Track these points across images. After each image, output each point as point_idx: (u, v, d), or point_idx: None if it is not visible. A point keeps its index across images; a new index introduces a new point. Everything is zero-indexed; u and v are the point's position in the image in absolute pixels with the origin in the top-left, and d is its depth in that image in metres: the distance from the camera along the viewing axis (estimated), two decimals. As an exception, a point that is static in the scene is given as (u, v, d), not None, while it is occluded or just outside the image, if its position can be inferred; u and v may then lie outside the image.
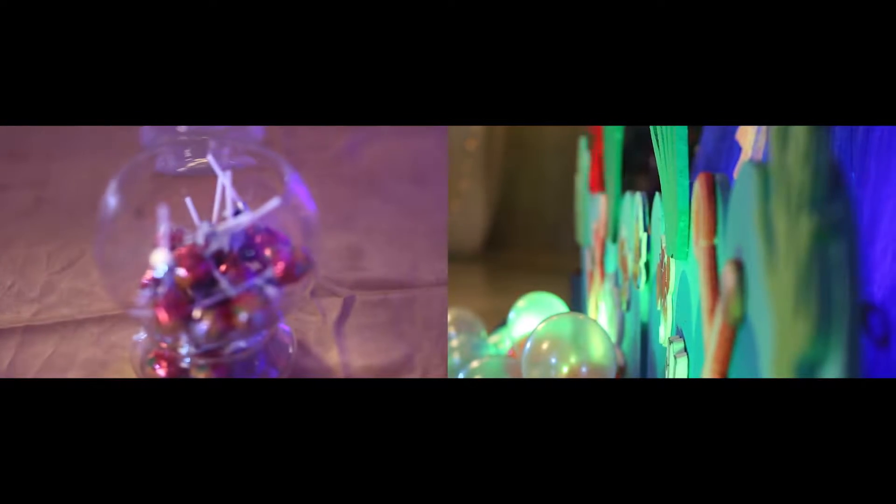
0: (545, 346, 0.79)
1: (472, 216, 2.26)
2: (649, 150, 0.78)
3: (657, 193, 0.77)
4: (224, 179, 0.68)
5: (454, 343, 1.03)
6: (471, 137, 2.23)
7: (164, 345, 0.71)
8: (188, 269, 0.65)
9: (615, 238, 1.03)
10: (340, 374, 0.76)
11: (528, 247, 2.28)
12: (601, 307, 1.11)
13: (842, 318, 0.37)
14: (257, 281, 0.66)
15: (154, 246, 0.65)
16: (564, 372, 0.78)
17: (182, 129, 0.93)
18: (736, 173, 0.86)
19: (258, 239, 0.69)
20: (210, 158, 0.69)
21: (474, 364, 0.88)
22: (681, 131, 0.67)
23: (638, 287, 0.85)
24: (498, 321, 1.25)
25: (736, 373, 0.51)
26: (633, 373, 0.89)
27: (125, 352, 0.75)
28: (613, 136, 1.05)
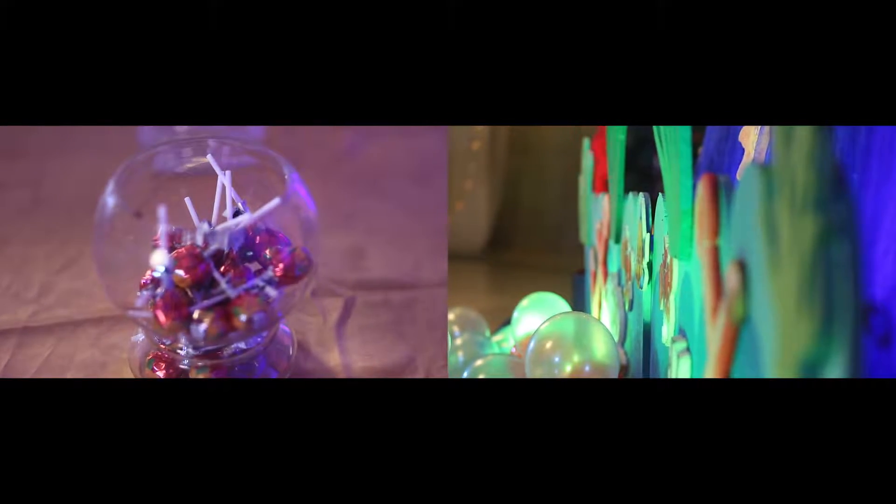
0: (548, 345, 0.79)
1: (476, 216, 2.27)
2: (653, 150, 0.78)
3: (660, 194, 0.77)
4: (224, 179, 0.68)
5: (458, 342, 1.02)
6: (475, 139, 2.23)
7: (163, 346, 0.70)
8: (187, 270, 0.64)
9: (618, 238, 1.03)
10: (342, 376, 0.76)
11: (532, 247, 2.28)
12: (604, 307, 1.11)
13: (844, 319, 0.37)
14: (257, 281, 0.66)
15: (153, 246, 0.65)
16: (567, 371, 0.78)
17: (182, 129, 0.92)
18: (739, 174, 0.86)
19: (258, 239, 0.68)
20: (210, 158, 0.69)
21: (478, 363, 0.88)
22: (684, 132, 0.66)
23: (641, 287, 0.85)
24: (501, 320, 1.25)
25: (739, 373, 0.50)
26: (635, 372, 0.89)
27: (124, 353, 0.74)
28: (616, 136, 1.04)
